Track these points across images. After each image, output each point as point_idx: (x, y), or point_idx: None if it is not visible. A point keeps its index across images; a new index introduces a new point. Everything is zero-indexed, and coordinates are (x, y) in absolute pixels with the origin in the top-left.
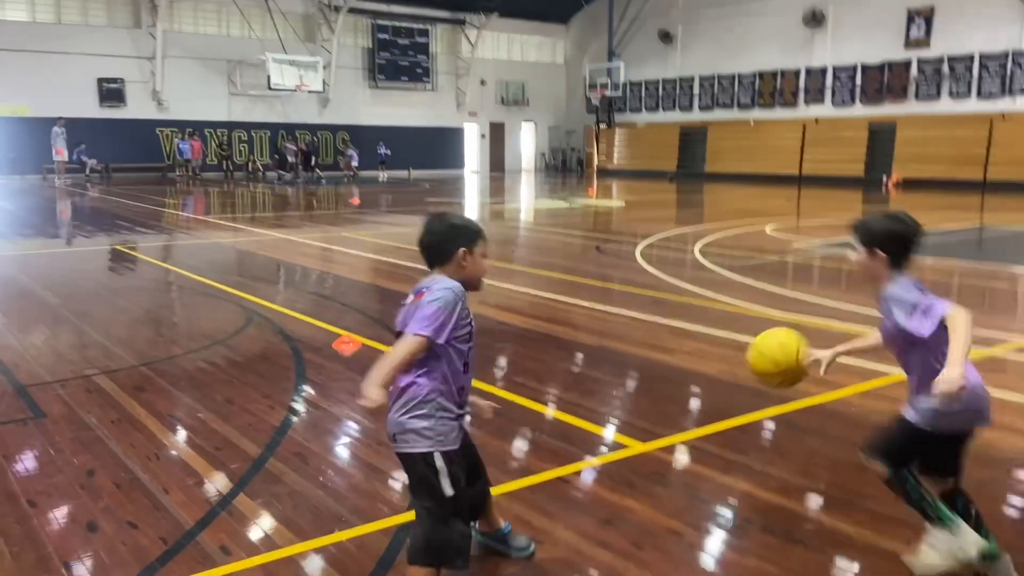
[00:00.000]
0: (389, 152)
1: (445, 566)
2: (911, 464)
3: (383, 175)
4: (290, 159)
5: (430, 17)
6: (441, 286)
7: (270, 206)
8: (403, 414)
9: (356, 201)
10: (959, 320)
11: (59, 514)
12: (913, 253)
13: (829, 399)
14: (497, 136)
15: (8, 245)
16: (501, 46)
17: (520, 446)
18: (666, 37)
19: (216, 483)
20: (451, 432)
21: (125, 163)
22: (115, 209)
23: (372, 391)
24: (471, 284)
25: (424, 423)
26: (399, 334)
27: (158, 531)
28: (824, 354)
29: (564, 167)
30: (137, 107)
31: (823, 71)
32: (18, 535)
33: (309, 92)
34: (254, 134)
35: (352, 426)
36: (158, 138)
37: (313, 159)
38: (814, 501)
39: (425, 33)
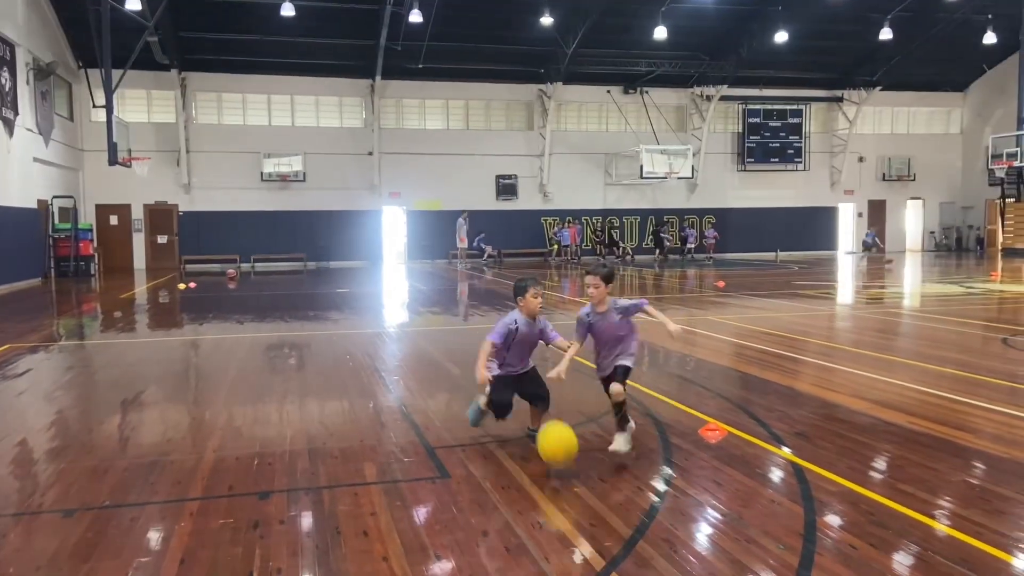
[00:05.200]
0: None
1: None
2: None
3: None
4: (667, 243)
5: (804, 97)
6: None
7: (637, 288)
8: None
9: (721, 284)
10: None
11: (459, 569)
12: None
13: None
14: (876, 214)
15: (420, 320)
16: (883, 120)
17: (904, 561)
18: None
19: (591, 559)
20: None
21: (514, 249)
22: (504, 291)
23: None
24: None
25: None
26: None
27: None
28: (560, 367)
29: (959, 247)
30: (526, 199)
31: None
32: None
33: (679, 179)
34: (625, 220)
35: (717, 517)
36: (542, 226)
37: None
38: None
39: (798, 113)
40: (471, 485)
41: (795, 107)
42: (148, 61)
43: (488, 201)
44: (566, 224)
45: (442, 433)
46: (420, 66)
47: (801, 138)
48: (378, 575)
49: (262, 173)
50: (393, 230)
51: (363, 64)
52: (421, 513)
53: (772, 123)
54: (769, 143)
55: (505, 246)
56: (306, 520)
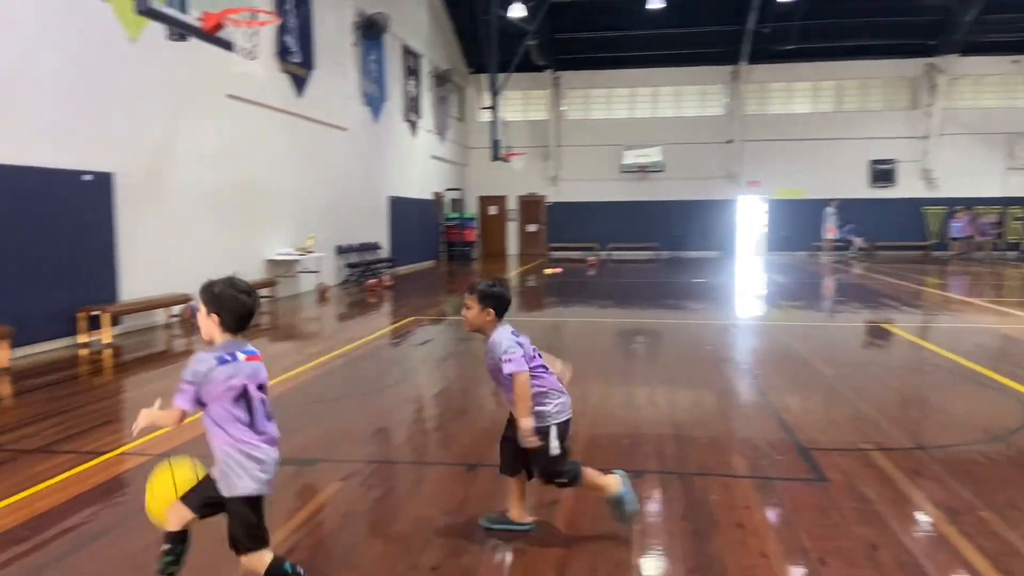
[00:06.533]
0: None
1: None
2: None
3: None
4: None
5: None
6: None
7: None
8: None
9: None
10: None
11: None
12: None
13: None
14: None
15: (782, 315)
16: None
17: None
18: None
19: None
20: None
21: (888, 241)
22: (877, 286)
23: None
24: None
25: None
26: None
27: None
28: None
29: None
30: (905, 186)
31: None
32: None
33: None
34: None
35: None
36: (922, 216)
37: None
38: None
39: None
40: (852, 493)
41: None
42: (525, 63)
43: (859, 189)
44: (958, 214)
45: (815, 434)
46: (791, 47)
47: None
48: (756, 569)
49: (621, 165)
50: (748, 220)
51: (727, 51)
52: (799, 514)
53: None
54: None
55: (877, 238)
56: (680, 504)
